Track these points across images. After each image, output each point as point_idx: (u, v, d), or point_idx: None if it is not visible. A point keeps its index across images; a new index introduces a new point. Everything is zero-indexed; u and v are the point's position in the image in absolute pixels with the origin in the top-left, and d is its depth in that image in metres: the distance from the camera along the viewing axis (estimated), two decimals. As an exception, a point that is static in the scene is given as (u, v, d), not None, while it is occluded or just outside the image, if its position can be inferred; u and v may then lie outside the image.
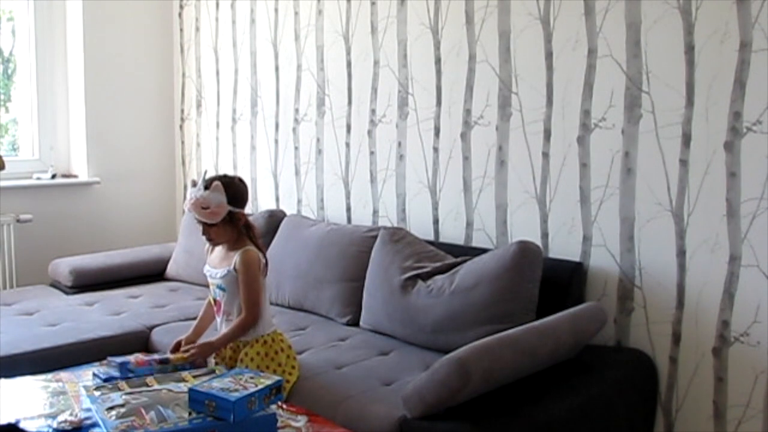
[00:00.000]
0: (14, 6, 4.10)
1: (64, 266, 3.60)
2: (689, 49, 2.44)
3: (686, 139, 2.47)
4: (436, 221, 3.20)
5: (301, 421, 1.99)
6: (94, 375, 2.24)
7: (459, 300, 2.60)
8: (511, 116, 2.91)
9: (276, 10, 3.82)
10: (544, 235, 2.84)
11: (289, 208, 3.79)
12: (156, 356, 2.35)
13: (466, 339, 2.36)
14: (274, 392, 1.94)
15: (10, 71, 4.23)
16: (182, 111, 4.47)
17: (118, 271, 3.68)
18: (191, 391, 1.88)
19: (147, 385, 2.05)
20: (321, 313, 3.09)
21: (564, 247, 2.78)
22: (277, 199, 3.90)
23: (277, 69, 3.85)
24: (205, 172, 2.45)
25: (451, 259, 2.80)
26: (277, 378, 2.00)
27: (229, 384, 1.90)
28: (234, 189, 2.38)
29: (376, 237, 3.02)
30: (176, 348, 2.42)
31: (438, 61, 3.13)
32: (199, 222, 2.39)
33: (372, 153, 3.43)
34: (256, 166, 4.02)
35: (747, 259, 2.37)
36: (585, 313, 2.52)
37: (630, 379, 2.50)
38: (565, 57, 2.74)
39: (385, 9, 3.32)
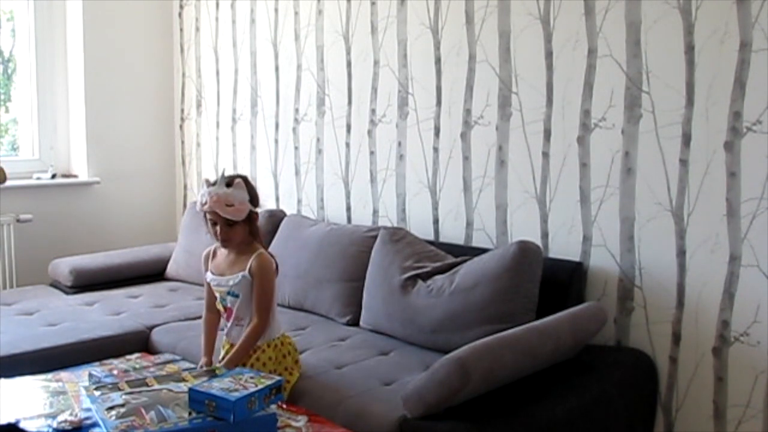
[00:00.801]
0: (14, 6, 4.10)
1: (64, 266, 3.60)
2: (689, 49, 2.44)
3: (686, 139, 2.47)
4: (436, 221, 3.20)
5: (301, 421, 1.99)
6: (91, 375, 2.24)
7: (459, 300, 2.60)
8: (511, 116, 2.91)
9: (276, 10, 3.82)
10: (544, 235, 2.84)
11: (289, 208, 3.79)
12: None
13: (466, 339, 2.36)
14: (274, 392, 1.94)
15: (10, 71, 4.23)
16: (182, 111, 4.47)
17: (118, 271, 3.68)
18: (191, 391, 1.88)
19: (147, 385, 2.05)
20: (321, 313, 3.09)
21: (564, 247, 2.78)
22: (277, 199, 3.90)
23: (277, 69, 3.85)
24: (224, 170, 2.40)
25: (451, 259, 2.80)
26: (277, 378, 2.00)
27: (229, 384, 1.90)
28: (251, 188, 2.35)
29: (376, 237, 3.02)
30: None
31: (438, 61, 3.13)
32: (215, 222, 2.31)
33: (372, 153, 3.43)
34: (256, 166, 4.02)
35: (747, 259, 2.37)
36: (585, 313, 2.52)
37: (630, 379, 2.50)
38: (565, 57, 2.74)
39: (385, 9, 3.32)
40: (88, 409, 1.97)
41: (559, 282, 2.63)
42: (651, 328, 2.60)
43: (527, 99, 2.85)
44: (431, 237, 3.17)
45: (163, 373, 2.22)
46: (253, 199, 2.34)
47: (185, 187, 4.48)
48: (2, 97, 4.29)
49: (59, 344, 2.78)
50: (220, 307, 2.42)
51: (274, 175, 3.91)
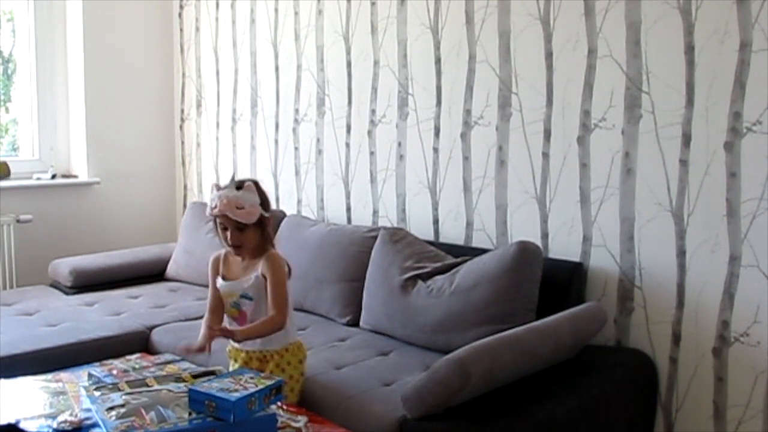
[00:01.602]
0: (14, 6, 4.10)
1: (64, 266, 3.60)
2: (689, 49, 2.44)
3: (686, 139, 2.47)
4: (436, 221, 3.20)
5: (301, 422, 1.99)
6: (91, 375, 2.24)
7: (459, 300, 2.60)
8: (511, 116, 2.91)
9: (276, 10, 3.82)
10: (544, 235, 2.84)
11: (289, 208, 3.79)
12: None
13: (466, 339, 2.36)
14: (274, 392, 1.94)
15: (10, 71, 4.23)
16: (182, 111, 4.47)
17: (118, 271, 3.68)
18: (191, 391, 1.87)
19: (147, 386, 2.06)
20: (321, 313, 3.09)
21: (564, 247, 2.78)
22: (277, 199, 3.90)
23: (277, 69, 3.85)
24: (234, 174, 2.36)
25: (451, 259, 2.80)
26: (277, 378, 2.00)
27: (229, 384, 1.90)
28: (262, 191, 2.30)
29: (376, 237, 3.02)
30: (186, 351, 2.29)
31: (438, 61, 3.13)
32: (225, 227, 2.26)
33: (372, 153, 3.43)
34: (256, 166, 4.02)
35: (747, 259, 2.37)
36: (585, 313, 2.52)
37: (630, 379, 2.50)
38: (565, 57, 2.74)
39: (385, 9, 3.32)
40: (88, 410, 1.97)
41: (559, 282, 2.63)
42: (651, 328, 2.60)
43: (527, 99, 2.86)
44: (431, 237, 3.17)
45: (163, 373, 2.22)
46: (264, 204, 2.29)
47: (185, 187, 4.49)
48: (2, 97, 4.29)
49: (59, 344, 2.78)
50: (233, 312, 2.32)
51: (274, 176, 3.91)
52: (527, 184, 2.88)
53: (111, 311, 3.19)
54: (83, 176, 4.16)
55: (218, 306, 2.38)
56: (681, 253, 2.51)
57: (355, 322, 2.96)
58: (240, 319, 2.31)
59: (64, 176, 4.17)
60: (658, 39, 2.51)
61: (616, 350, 2.66)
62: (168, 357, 2.62)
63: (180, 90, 4.47)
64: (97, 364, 2.42)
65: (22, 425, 1.89)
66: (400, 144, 3.31)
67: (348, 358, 2.56)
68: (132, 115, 4.33)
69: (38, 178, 4.00)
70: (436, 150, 3.17)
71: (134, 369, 2.34)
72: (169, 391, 2.01)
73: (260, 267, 2.28)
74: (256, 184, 2.29)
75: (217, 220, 2.28)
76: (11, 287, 3.78)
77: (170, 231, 4.44)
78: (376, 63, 3.38)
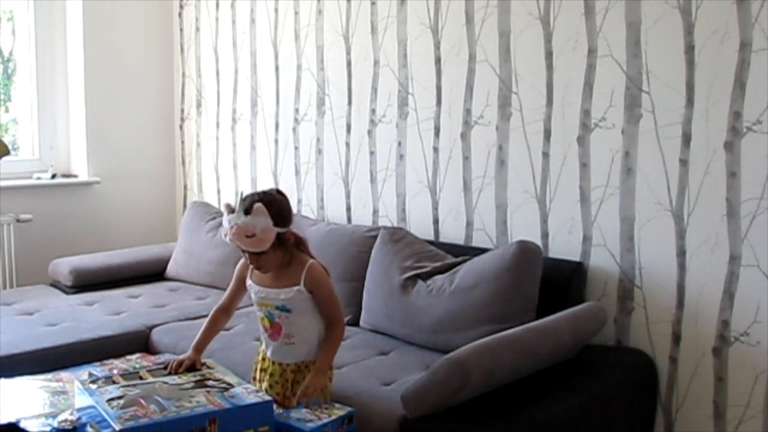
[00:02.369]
0: (14, 6, 4.10)
1: (64, 266, 3.60)
2: (689, 49, 2.44)
3: (686, 139, 2.47)
4: (436, 221, 3.20)
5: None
6: (91, 375, 2.24)
7: (459, 300, 2.60)
8: (511, 116, 2.91)
9: (276, 10, 3.82)
10: (544, 235, 2.84)
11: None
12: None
13: (466, 339, 2.36)
14: (346, 422, 2.00)
15: (10, 71, 4.23)
16: (182, 111, 4.47)
17: (118, 271, 3.68)
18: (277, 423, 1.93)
19: (141, 378, 2.06)
20: (321, 313, 3.09)
21: (564, 247, 2.78)
22: (277, 199, 3.90)
23: (277, 69, 3.85)
24: (242, 194, 2.16)
25: (451, 259, 2.80)
26: (348, 409, 2.02)
27: (305, 415, 1.96)
28: (277, 207, 2.13)
29: (376, 237, 3.02)
30: (179, 366, 2.17)
31: (438, 61, 3.13)
32: (244, 251, 2.14)
33: (372, 153, 3.43)
34: (256, 166, 4.02)
35: (747, 259, 2.37)
36: (585, 313, 2.52)
37: (630, 379, 2.50)
38: (565, 57, 2.74)
39: (385, 9, 3.32)
40: (82, 408, 1.97)
41: (559, 282, 2.63)
42: (651, 328, 2.60)
43: (527, 99, 2.85)
44: (431, 237, 3.17)
45: (155, 366, 2.22)
46: (283, 219, 2.14)
47: (185, 187, 4.48)
48: (2, 97, 4.29)
49: (59, 344, 2.78)
50: (265, 323, 2.22)
51: (274, 175, 3.91)
52: (527, 184, 2.88)
53: (111, 311, 3.19)
54: (83, 176, 4.16)
55: (234, 305, 2.33)
56: (681, 252, 2.51)
57: (355, 322, 2.96)
58: (273, 330, 2.20)
59: (64, 176, 4.17)
60: (658, 39, 2.51)
61: (616, 350, 2.66)
62: (168, 357, 2.61)
63: (180, 90, 4.47)
64: (97, 363, 2.42)
65: (22, 425, 1.89)
66: (400, 144, 3.31)
67: (348, 358, 2.55)
68: (132, 115, 4.33)
69: (38, 178, 4.00)
70: (436, 150, 3.17)
71: (134, 369, 2.34)
72: (164, 383, 2.02)
73: (302, 279, 2.15)
74: (269, 201, 2.13)
75: None
76: (11, 287, 3.77)
77: (170, 231, 4.44)
78: (376, 63, 3.38)
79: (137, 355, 2.66)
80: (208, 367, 2.18)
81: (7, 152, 2.70)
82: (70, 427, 1.89)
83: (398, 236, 2.94)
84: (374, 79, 3.39)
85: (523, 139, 2.88)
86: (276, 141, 3.89)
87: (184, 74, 4.42)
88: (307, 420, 1.93)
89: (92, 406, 1.91)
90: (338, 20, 3.52)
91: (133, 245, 4.07)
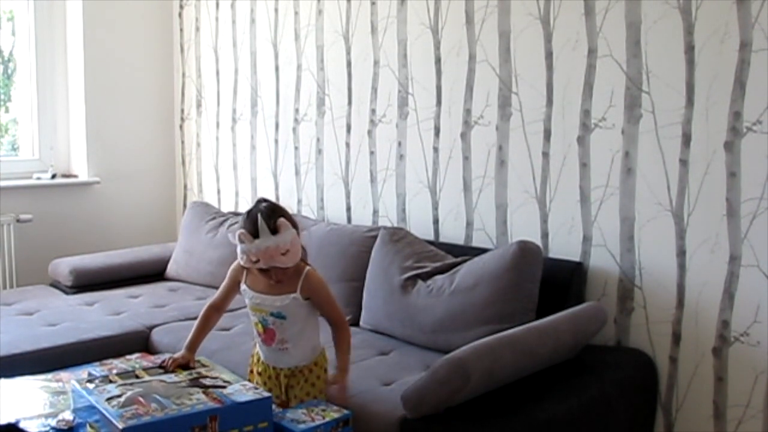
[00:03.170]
0: (14, 6, 4.10)
1: (64, 266, 3.60)
2: (689, 49, 2.44)
3: (686, 139, 2.47)
4: (436, 221, 3.20)
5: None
6: (90, 375, 2.24)
7: (459, 300, 2.60)
8: (511, 116, 2.91)
9: (276, 10, 3.82)
10: (544, 235, 2.84)
11: (289, 208, 3.78)
12: None
13: (466, 339, 2.36)
14: (341, 425, 1.99)
15: (10, 71, 4.23)
16: (182, 111, 4.47)
17: (118, 271, 3.68)
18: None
19: (137, 377, 2.07)
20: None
21: (564, 247, 2.78)
22: (277, 199, 3.90)
23: (277, 69, 3.85)
24: (257, 217, 2.05)
25: (451, 259, 2.80)
26: (345, 411, 2.02)
27: (300, 415, 1.97)
28: (287, 213, 2.12)
29: (376, 237, 3.02)
30: (173, 363, 2.16)
31: (438, 61, 3.13)
32: (264, 271, 2.09)
33: (372, 153, 3.43)
34: (256, 166, 4.02)
35: (747, 259, 2.37)
36: (585, 313, 2.52)
37: (630, 379, 2.50)
38: (565, 57, 2.74)
39: (385, 9, 3.32)
40: (78, 409, 1.96)
41: (559, 282, 2.63)
42: (651, 328, 2.60)
43: (527, 99, 2.85)
44: (431, 237, 3.17)
45: (151, 365, 2.22)
46: (296, 225, 2.13)
47: (185, 187, 4.49)
48: (2, 97, 4.29)
49: (59, 344, 2.78)
50: (258, 328, 2.20)
51: (274, 175, 3.91)
52: (527, 184, 2.88)
53: (111, 311, 3.19)
54: (83, 176, 4.16)
55: (226, 304, 2.32)
56: (681, 252, 2.51)
57: (355, 322, 2.96)
58: (266, 336, 2.18)
59: (64, 176, 4.17)
60: (658, 39, 2.51)
61: (616, 350, 2.66)
62: (168, 356, 2.62)
63: (180, 90, 4.47)
64: (97, 363, 2.42)
65: (22, 425, 1.89)
66: (400, 144, 3.31)
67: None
68: (132, 115, 4.33)
69: (38, 178, 4.01)
70: (436, 150, 3.17)
71: (132, 369, 2.34)
72: (161, 381, 2.02)
73: (299, 287, 2.14)
74: (282, 213, 2.10)
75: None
76: (11, 287, 3.78)
77: (170, 231, 4.44)
78: (376, 63, 3.38)
79: (137, 355, 2.66)
80: (203, 365, 2.18)
81: None
82: (66, 428, 1.89)
83: (398, 236, 2.94)
84: (374, 79, 3.39)
85: (523, 139, 2.88)
86: (276, 141, 3.89)
87: (184, 74, 4.42)
88: (300, 421, 1.93)
89: (90, 406, 1.91)
90: (338, 20, 3.52)
91: (133, 245, 4.07)
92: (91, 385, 2.00)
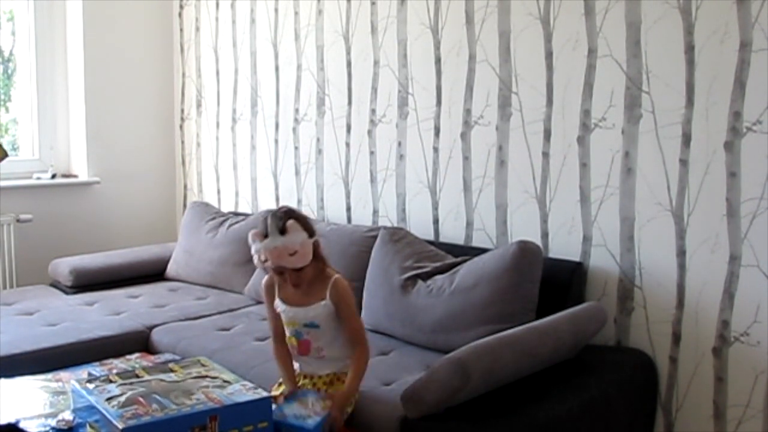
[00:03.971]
0: (14, 6, 4.10)
1: (64, 266, 3.60)
2: (689, 49, 2.44)
3: (686, 139, 2.47)
4: (436, 221, 3.20)
5: (301, 421, 1.99)
6: (90, 375, 2.24)
7: (459, 300, 2.60)
8: (511, 116, 2.91)
9: (276, 10, 3.82)
10: (544, 235, 2.84)
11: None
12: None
13: (466, 339, 2.36)
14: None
15: (10, 71, 4.23)
16: (182, 111, 4.47)
17: (118, 271, 3.68)
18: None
19: (137, 377, 2.07)
20: (321, 313, 3.09)
21: (564, 247, 2.78)
22: (277, 199, 3.90)
23: (277, 69, 3.85)
24: (268, 218, 2.12)
25: (451, 259, 2.80)
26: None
27: (299, 409, 1.98)
28: (303, 218, 2.15)
29: (376, 237, 3.02)
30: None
31: (438, 61, 3.13)
32: (280, 272, 2.12)
33: (372, 153, 3.43)
34: (256, 166, 4.02)
35: (747, 259, 2.37)
36: (585, 313, 2.52)
37: (630, 379, 2.50)
38: (565, 57, 2.74)
39: (385, 9, 3.32)
40: (77, 410, 1.97)
41: (559, 282, 2.63)
42: (651, 328, 2.60)
43: (527, 99, 2.85)
44: (431, 237, 3.17)
45: (151, 364, 2.22)
46: (311, 230, 2.15)
47: (185, 187, 4.49)
48: (2, 97, 4.29)
49: (59, 344, 2.78)
50: (292, 342, 2.21)
51: (274, 175, 3.91)
52: (527, 184, 2.88)
53: (111, 311, 3.19)
54: (83, 176, 4.16)
55: (283, 332, 2.26)
56: (681, 252, 2.51)
57: (355, 322, 2.96)
58: (300, 347, 2.20)
59: (64, 176, 4.17)
60: (658, 39, 2.51)
61: (616, 350, 2.66)
62: (168, 357, 2.63)
63: (180, 90, 4.47)
64: (97, 363, 2.43)
65: (22, 425, 1.90)
66: (400, 144, 3.31)
67: (348, 358, 2.55)
68: (132, 114, 4.33)
69: (38, 178, 4.00)
70: (436, 150, 3.17)
71: (132, 368, 2.35)
72: (161, 380, 2.02)
73: (327, 294, 2.16)
74: (297, 216, 2.13)
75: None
76: (11, 287, 3.77)
77: (170, 231, 4.44)
78: (376, 63, 3.38)
79: (137, 355, 2.67)
80: (203, 365, 2.18)
81: (5, 155, 2.70)
82: (66, 428, 1.90)
83: (398, 236, 2.94)
84: (374, 79, 3.39)
85: (523, 139, 2.88)
86: (276, 141, 3.89)
87: (184, 74, 4.42)
88: (304, 416, 1.93)
89: (90, 406, 1.91)
90: (338, 20, 3.52)
91: (133, 245, 4.07)
92: (91, 385, 2.00)
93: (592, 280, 2.72)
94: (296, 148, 3.79)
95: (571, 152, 2.75)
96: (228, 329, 2.94)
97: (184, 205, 4.43)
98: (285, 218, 2.10)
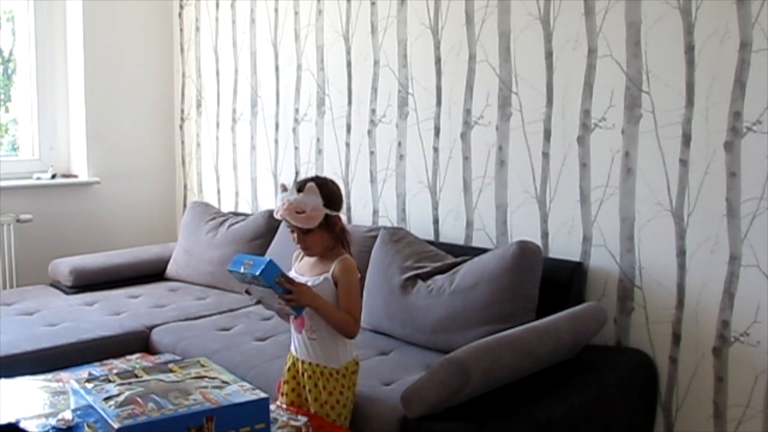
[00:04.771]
0: (14, 6, 4.10)
1: (64, 266, 3.60)
2: (689, 49, 2.44)
3: (686, 139, 2.47)
4: (436, 221, 3.20)
5: (301, 421, 1.99)
6: (91, 375, 2.24)
7: (459, 300, 2.60)
8: (511, 116, 2.91)
9: (276, 10, 3.82)
10: (544, 235, 2.84)
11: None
12: None
13: (466, 339, 2.36)
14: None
15: (10, 71, 4.23)
16: (182, 111, 4.48)
17: (118, 271, 3.68)
18: (238, 256, 2.13)
19: (136, 376, 2.06)
20: (321, 313, 3.09)
21: (564, 247, 2.78)
22: (277, 199, 3.90)
23: (277, 69, 3.85)
24: (297, 174, 2.27)
25: (451, 259, 2.80)
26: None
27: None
28: (329, 189, 2.18)
29: (376, 237, 3.02)
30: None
31: (438, 61, 3.13)
32: (293, 230, 2.17)
33: (372, 153, 3.43)
34: (256, 166, 4.02)
35: (747, 259, 2.37)
36: (585, 313, 2.52)
37: (630, 379, 2.50)
38: (565, 57, 2.74)
39: (385, 9, 3.32)
40: (76, 410, 1.97)
41: (559, 282, 2.63)
42: (651, 328, 2.60)
43: (527, 99, 2.86)
44: (431, 237, 3.17)
45: (151, 365, 2.22)
46: (334, 203, 2.18)
47: (185, 187, 4.49)
48: (2, 97, 4.29)
49: (59, 344, 2.78)
50: (291, 316, 2.20)
51: (274, 175, 3.91)
52: (527, 184, 2.88)
53: (111, 311, 3.19)
54: (83, 176, 4.16)
55: None
56: (681, 253, 2.51)
57: (355, 322, 2.96)
58: (297, 323, 2.19)
59: (64, 176, 4.17)
60: (658, 39, 2.51)
61: (616, 350, 2.66)
62: (168, 357, 2.63)
63: (180, 90, 4.47)
64: (97, 364, 2.43)
65: (22, 425, 1.89)
66: (400, 144, 3.31)
67: (348, 358, 2.55)
68: (132, 115, 4.33)
69: (38, 178, 4.01)
70: (436, 150, 3.17)
71: (132, 369, 2.35)
72: (159, 380, 2.02)
73: (332, 269, 2.16)
74: (320, 184, 2.16)
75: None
76: (11, 287, 3.78)
77: (170, 231, 4.44)
78: (376, 63, 3.38)
79: (137, 355, 2.67)
80: (202, 366, 2.18)
81: None
82: (65, 427, 1.90)
83: (398, 236, 2.94)
84: (374, 79, 3.39)
85: (523, 139, 2.88)
86: (276, 141, 3.89)
87: (184, 74, 4.42)
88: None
89: (88, 406, 1.91)
90: (338, 20, 3.52)
91: (133, 245, 4.07)
92: (89, 385, 2.00)
93: (592, 280, 2.72)
94: (296, 148, 3.79)
95: (571, 152, 2.75)
96: (228, 329, 2.94)
97: (184, 205, 4.43)
98: (309, 180, 2.18)
